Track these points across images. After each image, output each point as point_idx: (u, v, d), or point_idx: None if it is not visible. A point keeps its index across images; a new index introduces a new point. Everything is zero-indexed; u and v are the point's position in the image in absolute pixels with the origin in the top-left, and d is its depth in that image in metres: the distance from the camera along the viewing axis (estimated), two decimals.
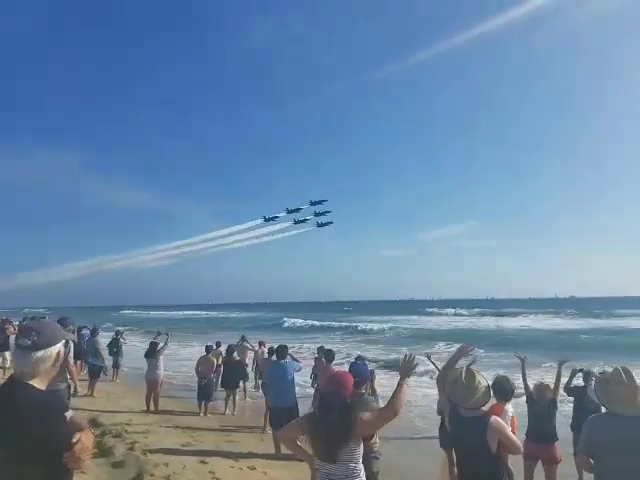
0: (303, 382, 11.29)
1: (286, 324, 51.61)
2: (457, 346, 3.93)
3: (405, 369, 3.23)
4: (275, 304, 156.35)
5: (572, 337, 30.97)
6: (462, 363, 4.54)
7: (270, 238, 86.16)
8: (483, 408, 3.44)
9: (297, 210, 76.40)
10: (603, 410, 3.29)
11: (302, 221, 76.77)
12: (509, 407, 4.70)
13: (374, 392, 5.14)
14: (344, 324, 45.07)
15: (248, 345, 13.91)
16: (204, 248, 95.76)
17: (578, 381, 6.89)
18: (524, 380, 6.38)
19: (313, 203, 75.30)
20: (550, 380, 6.41)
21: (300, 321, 52.25)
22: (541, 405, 5.77)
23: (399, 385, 3.16)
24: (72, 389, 8.12)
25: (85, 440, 1.91)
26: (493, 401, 4.25)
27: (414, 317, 60.06)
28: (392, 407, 3.09)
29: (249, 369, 13.52)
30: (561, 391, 6.35)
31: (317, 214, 75.05)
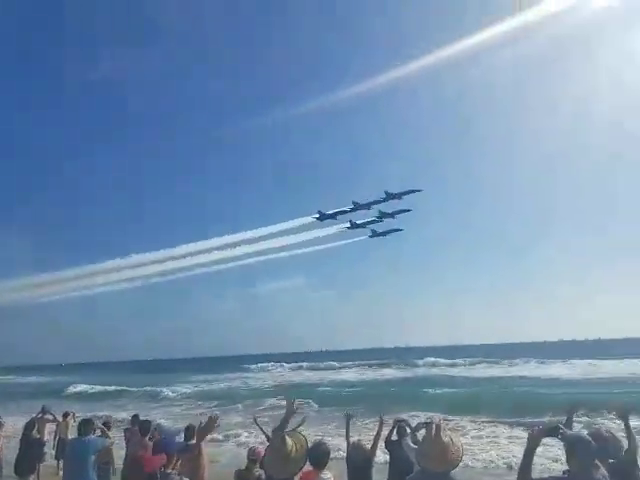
0: None
1: (76, 389, 43.37)
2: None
3: (205, 428, 2.99)
4: (83, 365, 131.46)
5: (385, 389, 31.51)
6: (292, 422, 4.25)
7: (306, 250, 63.39)
8: (297, 476, 3.27)
9: (368, 206, 53.21)
10: (416, 467, 3.37)
11: (361, 225, 54.54)
12: (326, 474, 4.31)
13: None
14: (147, 388, 39.10)
15: (50, 417, 11.84)
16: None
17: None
18: (347, 438, 6.41)
19: (391, 196, 52.06)
20: (371, 436, 6.51)
21: (95, 387, 43.90)
22: (357, 463, 5.81)
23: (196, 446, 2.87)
24: None
25: None
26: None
27: (246, 374, 57.86)
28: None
29: (49, 446, 11.35)
30: (382, 445, 6.50)
31: (383, 215, 52.58)
